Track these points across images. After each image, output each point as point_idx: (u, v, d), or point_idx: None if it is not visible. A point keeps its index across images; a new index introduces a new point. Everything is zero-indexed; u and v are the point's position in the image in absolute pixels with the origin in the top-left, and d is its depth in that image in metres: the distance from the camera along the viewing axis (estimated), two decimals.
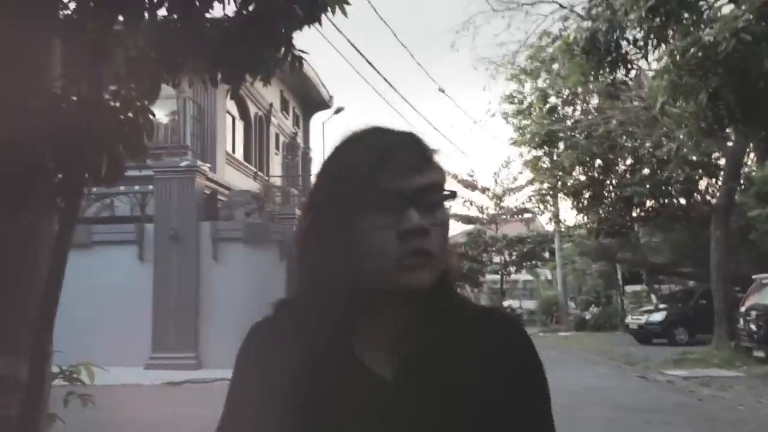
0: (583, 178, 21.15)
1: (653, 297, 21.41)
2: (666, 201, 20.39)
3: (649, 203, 20.47)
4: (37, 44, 3.07)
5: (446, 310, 0.76)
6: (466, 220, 32.54)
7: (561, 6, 13.34)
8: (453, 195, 0.77)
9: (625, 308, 22.37)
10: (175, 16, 3.20)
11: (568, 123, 21.05)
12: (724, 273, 12.53)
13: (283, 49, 3.57)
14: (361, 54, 20.13)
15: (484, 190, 30.76)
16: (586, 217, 21.96)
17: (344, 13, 3.66)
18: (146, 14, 3.12)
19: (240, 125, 16.51)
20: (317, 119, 23.48)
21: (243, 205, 12.32)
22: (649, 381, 10.27)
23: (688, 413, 7.43)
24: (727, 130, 8.40)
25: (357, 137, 0.77)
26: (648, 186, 19.58)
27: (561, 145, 21.00)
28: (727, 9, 7.19)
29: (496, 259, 32.80)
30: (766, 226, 14.68)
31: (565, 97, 20.93)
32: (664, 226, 21.46)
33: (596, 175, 20.80)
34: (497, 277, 34.30)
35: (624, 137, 19.28)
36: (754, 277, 11.02)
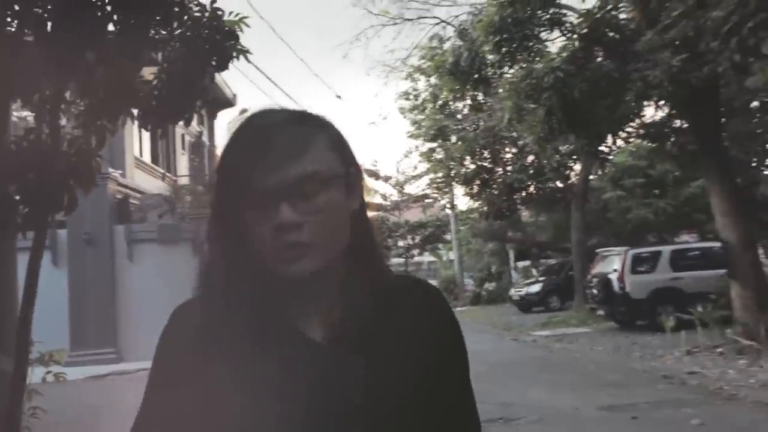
0: (473, 167, 23.23)
1: (534, 271, 24.13)
2: (544, 185, 22.92)
3: (531, 188, 22.90)
4: (1, 105, 4.13)
5: (365, 280, 0.79)
6: (371, 207, 34.14)
7: (441, 21, 15.04)
8: (345, 181, 0.77)
9: (514, 282, 25.00)
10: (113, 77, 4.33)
11: (459, 117, 22.94)
12: (581, 248, 14.94)
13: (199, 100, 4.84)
14: (262, 72, 20.90)
15: (386, 179, 32.38)
16: (477, 202, 24.23)
17: (247, 59, 4.97)
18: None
19: None
20: (222, 117, 23.98)
21: (155, 207, 13.06)
22: (518, 342, 12.34)
23: (538, 362, 9.40)
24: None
25: (238, 129, 0.78)
26: (530, 172, 21.89)
27: (453, 138, 22.86)
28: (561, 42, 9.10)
29: (401, 243, 34.89)
30: (617, 206, 17.42)
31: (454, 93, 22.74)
32: (545, 207, 24.07)
33: (485, 164, 22.97)
34: (402, 260, 36.49)
35: (508, 130, 21.37)
36: (596, 251, 13.40)
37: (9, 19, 3.86)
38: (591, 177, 17.11)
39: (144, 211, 12.90)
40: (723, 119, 8.81)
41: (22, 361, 4.06)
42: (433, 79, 22.38)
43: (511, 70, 9.62)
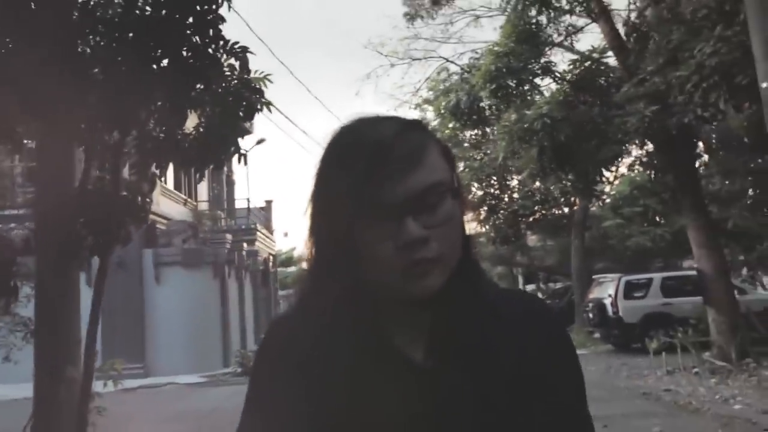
0: (480, 193, 24.08)
1: (539, 294, 24.81)
2: (549, 212, 23.69)
3: (537, 215, 23.66)
4: (68, 156, 5.14)
5: (473, 296, 0.75)
6: None
7: (447, 60, 16.13)
8: (456, 192, 0.72)
9: None
10: (162, 135, 5.31)
11: (466, 145, 23.93)
12: (580, 274, 15.70)
13: (233, 148, 5.83)
14: (279, 111, 22.21)
15: None
16: (484, 228, 25.03)
17: (269, 110, 5.96)
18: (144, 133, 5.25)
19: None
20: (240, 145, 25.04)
21: (180, 233, 14.08)
22: None
23: None
24: None
25: (343, 140, 0.73)
26: (535, 199, 22.70)
27: (461, 165, 23.79)
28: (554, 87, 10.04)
29: None
30: (617, 233, 18.16)
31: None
32: (551, 233, 24.81)
33: (491, 191, 23.84)
34: None
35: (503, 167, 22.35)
36: (593, 277, 14.15)
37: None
38: (593, 206, 17.91)
39: (170, 236, 13.92)
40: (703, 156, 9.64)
41: (89, 369, 5.00)
42: (441, 109, 23.52)
43: (506, 113, 10.58)
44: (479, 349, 0.73)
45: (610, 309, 12.12)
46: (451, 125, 13.25)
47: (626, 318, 11.90)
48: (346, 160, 0.70)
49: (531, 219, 23.90)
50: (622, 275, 12.57)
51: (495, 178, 23.40)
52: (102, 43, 4.78)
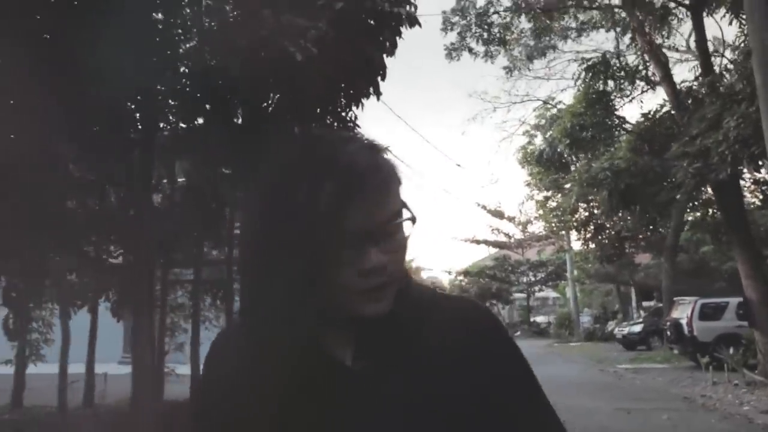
0: (586, 214, 25.39)
1: (641, 312, 25.53)
2: (654, 233, 24.42)
3: (641, 235, 24.48)
4: None
5: (410, 305, 0.78)
6: (496, 245, 37.17)
7: (544, 102, 18.21)
8: (413, 220, 0.75)
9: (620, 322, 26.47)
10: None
11: (572, 168, 25.42)
12: (669, 295, 16.94)
13: None
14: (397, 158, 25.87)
15: (510, 219, 35.16)
16: (590, 246, 26.28)
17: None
18: None
19: None
20: None
21: None
22: (602, 371, 14.78)
23: (604, 385, 12.01)
24: None
25: (311, 156, 0.73)
26: (641, 220, 23.61)
27: (567, 185, 25.27)
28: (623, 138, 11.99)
29: (524, 279, 37.25)
30: (714, 257, 18.89)
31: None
32: (659, 253, 25.43)
33: (597, 211, 25.08)
34: (524, 295, 38.71)
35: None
36: (674, 299, 15.46)
37: None
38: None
39: None
40: None
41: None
42: (548, 135, 25.37)
43: (579, 163, 12.62)
44: (408, 352, 0.76)
45: (686, 329, 13.53)
46: (536, 170, 15.44)
47: (700, 337, 13.25)
48: (316, 180, 0.69)
49: (640, 237, 24.75)
50: (698, 299, 13.88)
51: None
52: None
